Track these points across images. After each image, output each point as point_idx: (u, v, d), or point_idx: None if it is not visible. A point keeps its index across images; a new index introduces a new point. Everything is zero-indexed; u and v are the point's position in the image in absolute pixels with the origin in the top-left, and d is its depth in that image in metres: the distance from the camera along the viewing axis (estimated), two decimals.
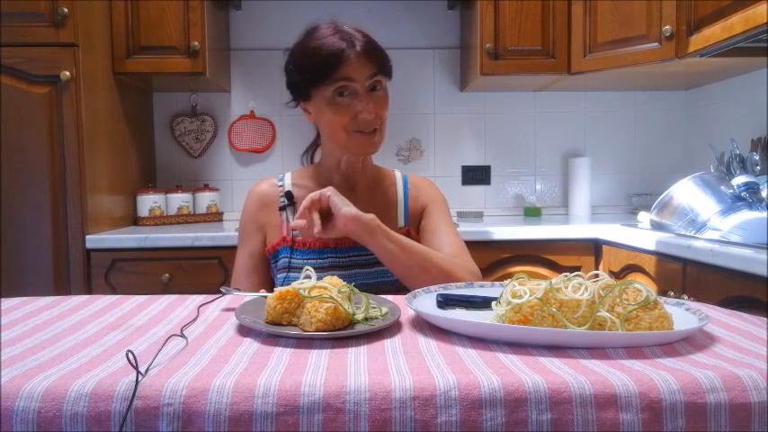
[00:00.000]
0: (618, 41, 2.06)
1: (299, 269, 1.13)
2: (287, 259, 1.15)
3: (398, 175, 1.27)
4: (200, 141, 2.53)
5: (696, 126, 2.54)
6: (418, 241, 1.18)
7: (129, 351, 0.54)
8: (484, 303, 0.78)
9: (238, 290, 0.99)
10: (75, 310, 0.82)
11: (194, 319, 0.76)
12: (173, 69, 2.13)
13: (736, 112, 2.24)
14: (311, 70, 1.08)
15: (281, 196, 1.20)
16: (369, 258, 1.13)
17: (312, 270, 0.77)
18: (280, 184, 1.23)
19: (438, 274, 1.04)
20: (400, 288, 1.13)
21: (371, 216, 1.03)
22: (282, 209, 1.19)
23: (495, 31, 2.19)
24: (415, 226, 1.22)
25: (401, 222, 1.21)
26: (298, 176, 1.24)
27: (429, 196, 1.24)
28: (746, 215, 1.50)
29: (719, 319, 0.75)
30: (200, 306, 0.84)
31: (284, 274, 1.15)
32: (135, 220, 2.29)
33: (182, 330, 0.69)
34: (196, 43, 2.11)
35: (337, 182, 1.20)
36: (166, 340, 0.64)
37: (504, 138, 2.63)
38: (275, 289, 0.74)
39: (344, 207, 1.01)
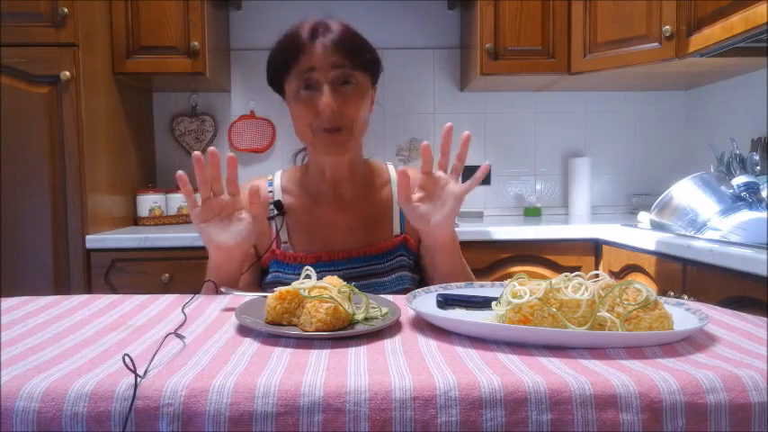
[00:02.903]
0: (618, 41, 2.06)
1: (289, 284, 1.09)
2: (277, 273, 1.10)
3: (392, 170, 1.19)
4: (200, 141, 2.53)
5: (696, 126, 2.54)
6: (415, 249, 1.15)
7: (125, 355, 0.54)
8: (484, 303, 0.77)
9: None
10: (75, 310, 0.82)
11: (184, 320, 0.76)
12: (173, 69, 2.14)
13: (736, 112, 2.24)
14: (277, 62, 1.04)
15: (270, 204, 1.14)
16: (361, 271, 1.09)
17: (312, 270, 0.77)
18: (270, 189, 1.16)
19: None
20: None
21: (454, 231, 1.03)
22: (272, 218, 1.13)
23: (495, 31, 2.19)
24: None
25: (396, 229, 1.14)
26: (287, 178, 1.18)
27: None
28: (746, 215, 1.50)
29: (719, 319, 0.75)
30: (185, 305, 0.84)
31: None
32: (135, 220, 2.29)
33: (176, 330, 0.69)
34: (196, 43, 2.11)
35: (324, 191, 1.13)
36: (162, 341, 0.64)
37: (504, 138, 2.63)
38: (275, 289, 0.73)
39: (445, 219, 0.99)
